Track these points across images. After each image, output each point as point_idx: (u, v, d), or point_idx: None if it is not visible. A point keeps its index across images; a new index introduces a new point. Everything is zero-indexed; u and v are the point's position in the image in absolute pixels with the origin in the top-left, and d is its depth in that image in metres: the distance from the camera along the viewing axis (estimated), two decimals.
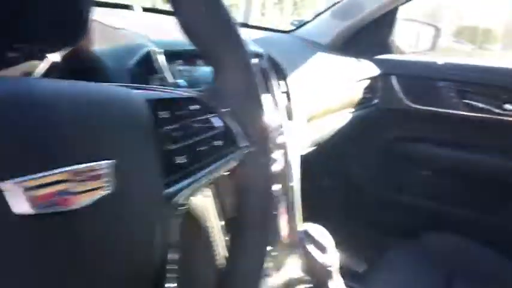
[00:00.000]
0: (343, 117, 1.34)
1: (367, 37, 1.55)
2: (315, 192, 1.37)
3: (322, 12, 1.60)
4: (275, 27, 1.84)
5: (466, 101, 1.47)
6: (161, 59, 0.67)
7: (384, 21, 1.56)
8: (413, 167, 1.60)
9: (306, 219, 1.02)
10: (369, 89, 1.49)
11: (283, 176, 0.93)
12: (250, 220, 0.50)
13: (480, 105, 1.44)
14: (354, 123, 1.39)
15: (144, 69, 0.64)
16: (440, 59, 1.52)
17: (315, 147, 1.20)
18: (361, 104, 1.45)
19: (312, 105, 1.14)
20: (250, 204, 0.49)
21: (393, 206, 1.61)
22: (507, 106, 1.41)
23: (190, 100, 0.43)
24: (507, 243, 1.46)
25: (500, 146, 1.47)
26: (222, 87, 0.45)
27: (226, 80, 0.45)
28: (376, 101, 1.54)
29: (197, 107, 0.43)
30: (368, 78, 1.48)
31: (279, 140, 0.93)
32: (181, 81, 0.65)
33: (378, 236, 1.58)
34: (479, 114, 1.45)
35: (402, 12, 1.64)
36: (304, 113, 1.08)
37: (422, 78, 1.55)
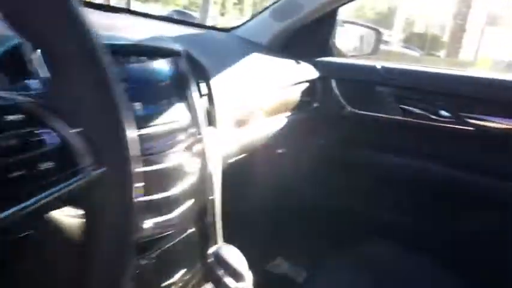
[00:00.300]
0: (279, 122, 1.27)
1: (307, 39, 1.50)
2: (246, 202, 1.29)
3: (262, 11, 1.52)
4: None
5: (405, 106, 1.45)
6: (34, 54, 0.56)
7: (325, 23, 1.51)
8: (353, 173, 1.56)
9: (235, 232, 0.94)
10: (308, 93, 1.43)
11: (200, 189, 0.84)
12: (98, 255, 0.39)
13: (417, 111, 1.42)
14: (291, 127, 1.32)
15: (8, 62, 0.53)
16: (379, 63, 1.49)
17: (245, 154, 1.12)
18: (299, 107, 1.38)
19: (241, 108, 1.05)
20: (97, 236, 0.39)
21: (333, 213, 1.56)
22: (443, 112, 1.40)
23: (12, 108, 0.32)
24: (447, 251, 1.45)
25: (439, 152, 1.46)
26: (60, 92, 0.35)
27: (66, 83, 0.34)
28: (315, 104, 1.48)
29: (20, 117, 0.32)
30: (307, 81, 1.42)
31: (196, 148, 0.84)
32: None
33: (318, 244, 1.53)
34: (417, 120, 1.43)
35: (350, 16, 1.60)
36: (230, 117, 0.99)
37: (362, 82, 1.51)
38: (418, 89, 1.43)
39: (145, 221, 0.68)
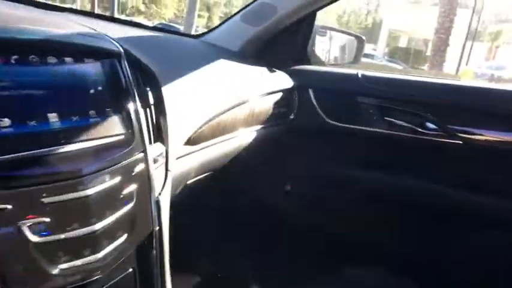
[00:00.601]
0: (248, 136, 1.14)
1: (282, 45, 1.38)
2: (211, 227, 1.14)
3: (232, 16, 1.40)
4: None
5: (388, 118, 1.33)
6: None
7: (301, 28, 1.39)
8: (332, 191, 1.43)
9: (200, 259, 0.80)
10: (283, 103, 1.31)
11: (141, 220, 0.69)
12: None
13: (402, 123, 1.30)
14: (263, 142, 1.19)
15: None
16: (360, 72, 1.37)
17: (209, 173, 0.98)
18: (273, 120, 1.25)
19: (202, 121, 0.91)
20: None
21: (312, 233, 1.42)
22: (430, 125, 1.29)
23: None
24: (430, 273, 1.32)
25: (425, 168, 1.34)
26: None
27: None
28: (291, 117, 1.36)
29: None
30: (281, 91, 1.29)
31: (138, 169, 0.69)
32: None
33: (297, 267, 1.39)
34: (403, 134, 1.31)
35: (331, 23, 1.50)
36: (187, 131, 0.85)
37: (342, 92, 1.39)
38: (403, 99, 1.32)
39: (57, 266, 0.53)
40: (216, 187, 1.05)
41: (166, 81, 0.81)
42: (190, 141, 0.86)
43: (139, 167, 0.66)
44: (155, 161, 0.71)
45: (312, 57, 1.47)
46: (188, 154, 0.85)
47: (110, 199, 0.61)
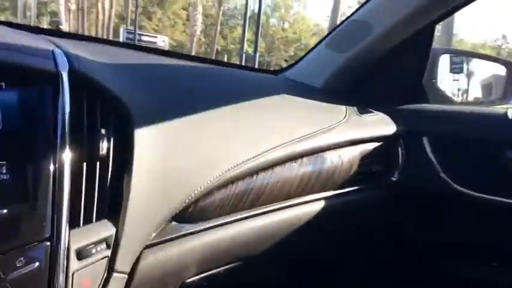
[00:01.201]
0: (309, 207, 0.76)
1: (382, 76, 0.99)
2: None
3: (316, 45, 1.08)
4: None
5: None
6: None
7: (410, 51, 0.99)
8: None
9: None
10: (379, 158, 0.90)
11: None
12: None
13: None
14: (338, 216, 0.80)
15: None
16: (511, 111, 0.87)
17: (225, 268, 0.64)
18: (359, 182, 0.85)
19: (208, 181, 0.58)
20: None
21: None
22: None
23: None
24: None
25: None
26: None
27: None
28: (393, 178, 0.92)
29: None
30: (377, 139, 0.89)
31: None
32: None
33: None
34: None
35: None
36: (178, 198, 0.54)
37: (479, 143, 0.91)
38: None
39: None
40: None
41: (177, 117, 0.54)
42: (185, 215, 0.55)
43: (29, 270, 0.38)
44: (81, 255, 0.42)
45: (430, 92, 1.03)
46: (180, 237, 0.54)
47: None
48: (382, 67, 0.97)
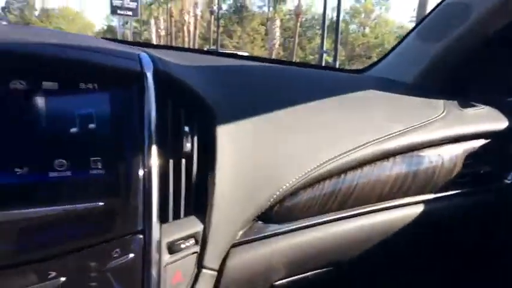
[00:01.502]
0: (408, 210, 0.69)
1: (489, 65, 0.88)
2: None
3: (406, 36, 1.00)
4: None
5: None
6: None
7: None
8: None
9: None
10: (489, 157, 0.79)
11: None
12: None
13: None
14: (440, 220, 0.71)
15: None
16: None
17: (315, 272, 0.60)
18: (463, 184, 0.75)
19: (298, 176, 0.56)
20: None
21: None
22: None
23: None
24: None
25: None
26: None
27: None
28: (507, 180, 0.80)
29: None
30: (486, 135, 0.78)
31: (122, 263, 0.42)
32: None
33: None
34: None
35: None
36: (263, 197, 0.52)
37: None
38: None
39: None
40: None
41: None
42: (271, 215, 0.53)
43: (125, 260, 0.39)
44: (172, 249, 0.42)
45: None
46: (267, 237, 0.52)
47: None
48: (484, 56, 0.86)
